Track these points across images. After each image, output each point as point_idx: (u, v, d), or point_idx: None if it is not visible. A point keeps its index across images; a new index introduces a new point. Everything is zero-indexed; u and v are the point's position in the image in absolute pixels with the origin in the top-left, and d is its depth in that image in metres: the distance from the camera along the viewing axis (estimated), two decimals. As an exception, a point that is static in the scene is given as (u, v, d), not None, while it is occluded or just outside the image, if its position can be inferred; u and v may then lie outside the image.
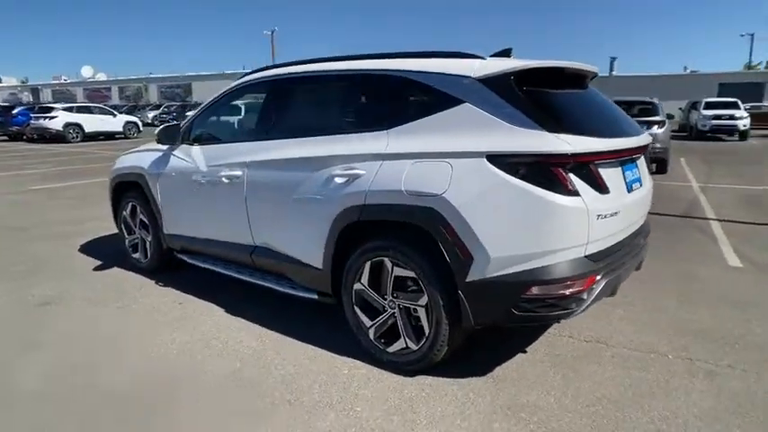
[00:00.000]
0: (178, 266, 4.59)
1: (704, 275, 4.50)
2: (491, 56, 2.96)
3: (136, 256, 4.76)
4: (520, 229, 2.46)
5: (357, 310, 3.06)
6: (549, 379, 2.83)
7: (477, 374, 2.88)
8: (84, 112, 21.92)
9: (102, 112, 23.33)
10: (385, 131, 2.89)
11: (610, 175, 2.67)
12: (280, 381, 2.85)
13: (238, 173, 3.57)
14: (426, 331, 2.77)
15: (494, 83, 2.63)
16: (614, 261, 2.71)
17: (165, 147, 4.30)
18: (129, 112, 30.03)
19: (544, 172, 2.43)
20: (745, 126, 20.11)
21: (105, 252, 5.28)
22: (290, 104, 3.57)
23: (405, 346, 2.87)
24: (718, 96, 30.16)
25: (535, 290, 2.47)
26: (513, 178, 2.44)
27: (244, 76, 3.88)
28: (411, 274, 2.77)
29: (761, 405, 2.57)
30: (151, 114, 34.86)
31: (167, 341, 3.34)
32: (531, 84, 2.65)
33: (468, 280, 2.55)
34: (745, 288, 4.19)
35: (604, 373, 2.90)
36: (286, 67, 3.56)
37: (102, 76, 63.71)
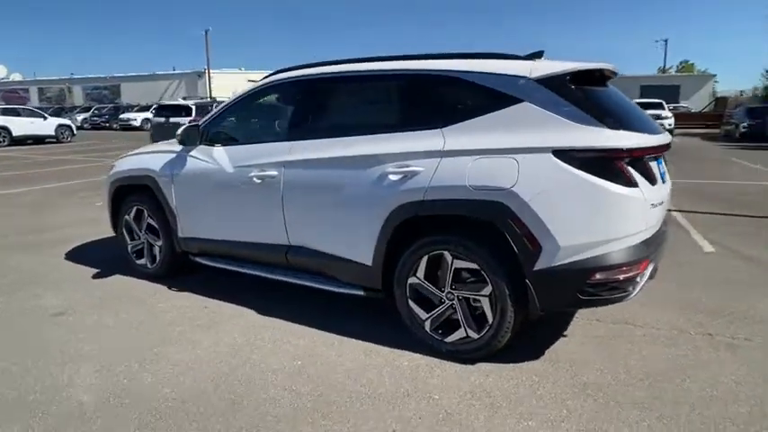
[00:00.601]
0: (189, 270, 4.48)
1: (688, 261, 4.94)
2: (524, 57, 3.14)
3: (141, 261, 4.57)
4: (587, 219, 2.65)
5: (411, 303, 3.15)
6: (598, 358, 3.05)
7: (531, 358, 3.04)
8: (10, 114, 20.32)
9: (32, 114, 21.74)
10: (439, 129, 3.00)
11: (654, 167, 2.93)
12: (346, 375, 2.89)
13: (273, 173, 3.55)
14: (490, 320, 2.90)
15: (550, 83, 2.81)
16: (657, 246, 2.96)
17: (176, 148, 4.19)
18: (55, 115, 28.10)
19: (609, 165, 2.64)
20: (670, 125, 21.84)
21: (96, 259, 5.02)
22: (331, 104, 3.60)
23: (465, 335, 2.98)
24: (641, 97, 32.56)
25: (599, 275, 2.67)
26: (581, 172, 2.62)
27: (269, 76, 3.86)
28: (473, 265, 2.89)
29: (785, 369, 2.91)
30: (80, 117, 32.85)
31: (212, 343, 3.28)
32: (578, 83, 2.85)
33: (536, 269, 2.71)
34: (728, 270, 4.65)
35: (642, 351, 3.16)
36: (319, 67, 3.58)
37: (17, 76, 59.17)
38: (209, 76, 39.30)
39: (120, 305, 3.92)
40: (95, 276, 4.60)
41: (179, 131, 4.07)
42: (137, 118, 30.72)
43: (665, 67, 47.46)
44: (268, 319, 3.66)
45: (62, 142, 21.48)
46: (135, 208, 4.52)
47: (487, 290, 2.87)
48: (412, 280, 3.12)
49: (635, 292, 2.77)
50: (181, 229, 4.19)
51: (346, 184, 3.27)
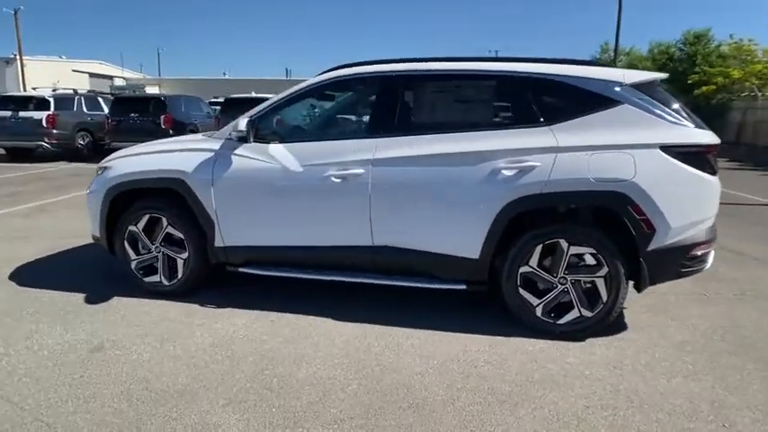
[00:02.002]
0: (210, 284, 4.04)
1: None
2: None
3: (152, 279, 3.95)
4: (689, 203, 3.12)
5: (522, 291, 3.33)
6: (672, 322, 3.56)
7: (619, 330, 3.44)
8: None
9: None
10: (547, 127, 3.23)
11: None
12: (489, 368, 2.96)
13: (358, 171, 3.41)
14: (604, 298, 3.22)
15: (642, 88, 3.23)
16: None
17: (211, 145, 3.75)
18: None
19: (702, 158, 3.14)
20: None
21: (81, 279, 4.19)
22: (425, 101, 3.57)
23: (579, 315, 3.26)
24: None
25: (696, 250, 3.17)
26: (683, 164, 3.08)
27: (333, 70, 3.67)
28: (590, 250, 3.19)
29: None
30: None
31: (321, 356, 3.06)
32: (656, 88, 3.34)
33: (649, 249, 3.10)
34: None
35: (707, 310, 3.77)
36: (405, 64, 3.54)
37: None
38: (21, 64, 33.23)
39: (165, 331, 3.38)
40: (93, 302, 3.85)
41: (243, 124, 3.56)
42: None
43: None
44: (352, 325, 3.49)
45: None
46: (147, 216, 3.89)
47: (603, 271, 3.19)
48: (524, 269, 3.30)
49: (709, 264, 3.34)
50: (221, 238, 3.75)
51: (452, 180, 3.31)
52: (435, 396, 2.67)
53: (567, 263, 3.24)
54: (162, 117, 13.29)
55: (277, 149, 3.62)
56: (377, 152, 3.42)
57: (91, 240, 4.34)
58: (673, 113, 3.19)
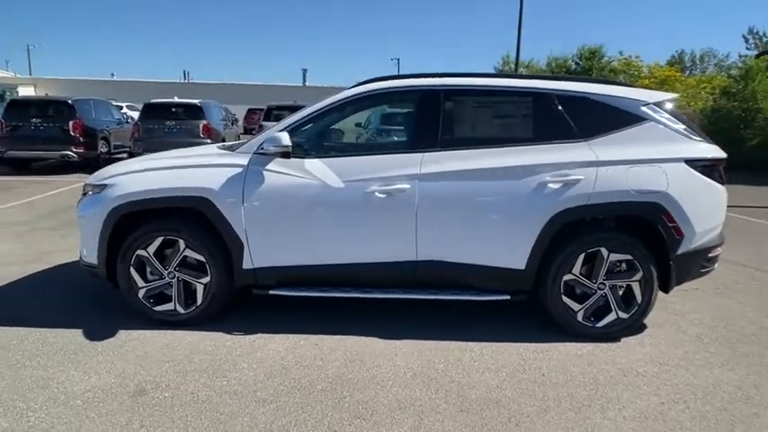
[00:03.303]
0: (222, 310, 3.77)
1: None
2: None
3: (165, 308, 3.58)
4: (709, 211, 3.47)
5: (565, 298, 3.49)
6: (677, 317, 3.92)
7: (641, 329, 3.73)
8: None
9: None
10: (585, 142, 3.43)
11: None
12: (557, 375, 3.07)
13: (404, 186, 3.38)
14: (639, 300, 3.47)
15: (663, 107, 3.55)
16: None
17: (237, 160, 3.50)
18: None
19: (715, 170, 3.51)
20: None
21: (61, 317, 3.68)
22: (468, 115, 3.60)
23: (616, 317, 3.49)
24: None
25: (713, 252, 3.54)
26: (703, 176, 3.43)
27: (366, 83, 3.59)
28: (627, 256, 3.43)
29: None
30: None
31: (392, 377, 2.98)
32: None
33: (678, 253, 3.41)
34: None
35: (697, 305, 4.17)
36: (445, 78, 3.56)
37: None
38: None
39: (202, 366, 3.09)
40: (102, 336, 3.41)
41: (282, 139, 3.35)
42: None
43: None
44: (401, 342, 3.43)
45: None
46: (160, 239, 3.52)
47: (638, 275, 3.44)
48: (567, 277, 3.46)
49: (717, 265, 3.74)
50: (252, 260, 3.49)
51: (499, 193, 3.39)
52: (527, 408, 2.71)
53: (607, 269, 3.45)
54: (71, 123, 11.95)
55: (314, 165, 3.46)
56: (423, 167, 3.40)
57: (40, 265, 3.83)
58: (689, 130, 3.53)
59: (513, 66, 27.44)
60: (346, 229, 3.46)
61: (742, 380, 3.04)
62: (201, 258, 3.52)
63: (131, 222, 3.54)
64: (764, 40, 30.54)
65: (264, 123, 12.68)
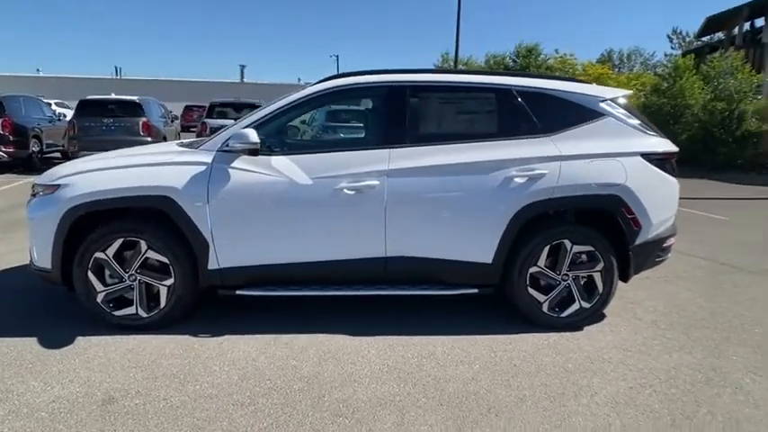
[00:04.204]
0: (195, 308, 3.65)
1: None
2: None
3: (125, 312, 3.42)
4: (664, 202, 3.66)
5: (530, 290, 3.59)
6: (632, 305, 4.12)
7: (600, 318, 3.89)
8: None
9: None
10: (548, 137, 3.54)
11: None
12: (528, 365, 3.16)
13: (373, 182, 3.37)
14: (600, 290, 3.62)
15: (619, 103, 3.71)
16: None
17: (200, 158, 3.39)
18: None
19: (669, 163, 3.70)
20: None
21: (4, 325, 3.45)
22: (434, 111, 3.62)
23: (579, 307, 3.62)
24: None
25: (667, 242, 3.74)
26: (657, 169, 3.61)
27: (330, 79, 3.55)
28: (588, 248, 3.57)
29: None
30: None
31: (368, 374, 2.98)
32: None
33: (636, 243, 3.58)
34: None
35: (648, 292, 4.38)
36: (410, 74, 3.57)
37: None
38: None
39: (172, 371, 2.98)
40: (59, 344, 3.21)
41: (216, 137, 3.29)
42: None
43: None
44: (409, 337, 3.45)
45: None
46: (120, 241, 3.35)
47: (600, 266, 3.58)
48: (533, 269, 3.56)
49: (670, 254, 3.94)
50: (218, 260, 3.39)
51: (467, 188, 3.44)
52: (504, 398, 2.78)
53: (570, 261, 3.58)
54: (0, 121, 11.21)
55: (281, 162, 3.39)
56: (391, 163, 3.41)
57: None
58: (643, 125, 3.71)
59: (452, 63, 27.94)
60: (315, 227, 3.42)
61: (700, 363, 3.23)
62: (165, 260, 3.38)
63: (87, 224, 3.36)
64: (687, 39, 32.44)
65: (207, 120, 12.30)
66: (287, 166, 3.39)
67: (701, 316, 3.97)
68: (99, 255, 3.36)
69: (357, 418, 2.56)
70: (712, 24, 20.28)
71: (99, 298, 3.41)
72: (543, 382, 2.95)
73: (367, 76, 3.61)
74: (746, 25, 19.26)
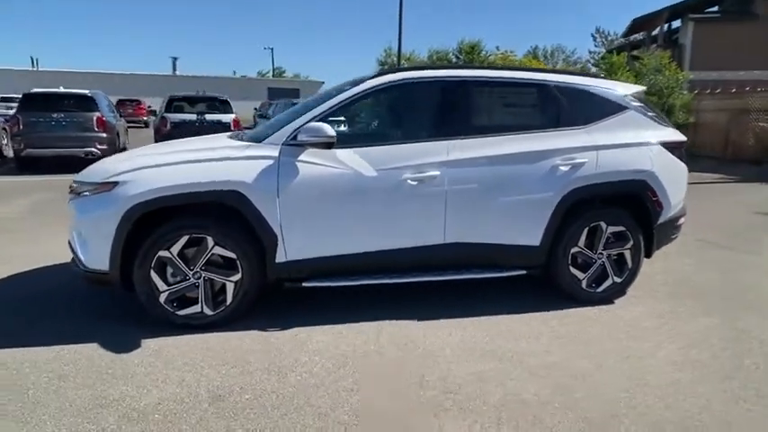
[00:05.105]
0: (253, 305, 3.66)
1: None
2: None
3: (190, 311, 3.36)
4: (678, 185, 4.10)
5: (572, 269, 3.92)
6: (673, 265, 4.57)
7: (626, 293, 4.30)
8: None
9: None
10: (583, 129, 3.87)
11: None
12: (585, 336, 3.47)
13: (435, 173, 3.54)
14: (630, 266, 4.01)
15: (637, 97, 4.12)
16: None
17: (267, 152, 3.40)
18: None
19: (680, 151, 4.15)
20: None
21: (61, 331, 3.30)
22: (484, 105, 3.84)
23: (612, 282, 3.99)
24: (270, 98, 36.23)
25: (680, 221, 4.20)
26: (673, 156, 4.05)
27: (386, 74, 3.68)
28: (620, 228, 3.94)
29: None
30: None
31: (451, 353, 3.16)
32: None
33: (658, 223, 4.00)
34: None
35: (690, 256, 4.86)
36: (464, 70, 3.79)
37: None
38: None
39: (263, 365, 2.99)
40: (128, 347, 3.11)
41: (282, 131, 3.30)
42: None
43: (273, 71, 53.45)
44: (471, 319, 3.62)
45: None
46: (185, 237, 3.29)
47: (629, 244, 3.97)
48: (574, 249, 3.89)
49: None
50: (286, 253, 3.42)
51: (518, 177, 3.69)
52: (583, 366, 3.05)
53: (605, 240, 3.93)
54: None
55: (346, 155, 3.47)
56: (450, 154, 3.58)
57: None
58: (657, 117, 4.14)
59: (395, 58, 28.35)
60: (380, 217, 3.54)
61: (722, 324, 3.68)
62: (232, 255, 3.36)
63: (145, 223, 3.27)
64: (609, 38, 34.88)
65: (168, 115, 11.75)
66: (352, 159, 3.47)
67: (706, 285, 4.49)
68: (163, 253, 3.27)
69: (466, 393, 2.74)
70: (637, 25, 22.11)
71: (162, 298, 3.33)
72: (605, 349, 3.26)
73: (425, 71, 3.78)
74: (666, 26, 21.17)
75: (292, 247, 3.43)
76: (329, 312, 3.68)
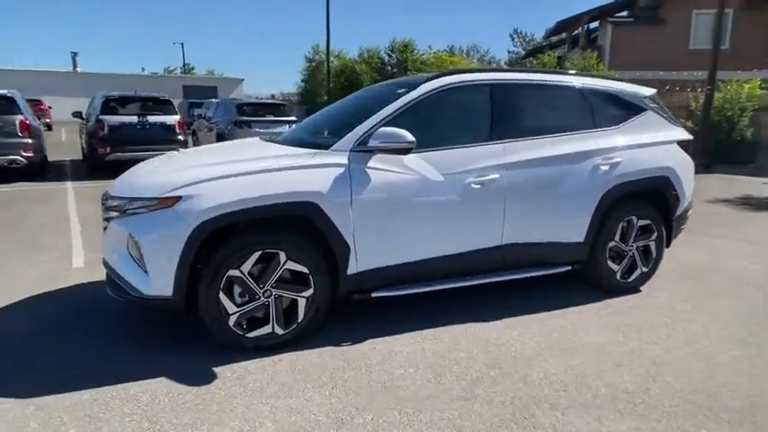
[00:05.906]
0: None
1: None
2: None
3: (260, 332, 3.16)
4: (690, 180, 4.47)
5: (609, 262, 4.15)
6: (677, 255, 4.93)
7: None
8: None
9: None
10: (614, 129, 4.11)
11: None
12: (630, 321, 3.70)
13: (495, 176, 3.60)
14: (654, 255, 4.33)
15: (653, 99, 4.44)
16: None
17: (335, 159, 3.27)
18: None
19: (690, 148, 4.53)
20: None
21: (136, 362, 2.97)
22: (531, 107, 3.91)
23: (641, 272, 4.28)
24: (185, 97, 34.56)
25: (689, 213, 4.59)
26: (685, 153, 4.42)
27: (439, 77, 3.67)
28: (648, 222, 4.23)
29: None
30: None
31: (531, 352, 3.24)
32: None
33: (675, 215, 4.35)
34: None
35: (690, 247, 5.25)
36: (511, 74, 3.88)
37: None
38: None
39: (373, 384, 2.90)
40: (216, 375, 2.87)
41: (347, 136, 3.22)
42: None
43: (184, 67, 50.71)
44: (528, 316, 3.71)
45: None
46: (257, 254, 3.07)
47: (654, 236, 4.28)
48: (611, 243, 4.12)
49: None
50: (357, 263, 3.31)
51: (567, 176, 3.85)
52: (651, 349, 3.26)
53: (636, 234, 4.21)
54: None
55: (413, 160, 3.42)
56: (507, 156, 3.66)
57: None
58: (670, 117, 4.49)
59: (323, 55, 28.11)
60: (447, 222, 3.53)
61: (743, 302, 4.10)
62: (304, 269, 3.19)
63: (208, 241, 3.02)
64: (527, 39, 36.82)
65: (104, 117, 10.69)
66: (419, 164, 3.43)
67: (713, 269, 4.94)
68: (233, 272, 3.04)
69: (575, 386, 2.83)
70: (560, 27, 23.61)
71: (231, 321, 3.09)
72: (663, 335, 3.50)
73: (480, 74, 3.83)
74: (586, 28, 22.80)
75: (363, 258, 3.32)
76: (390, 322, 3.61)
